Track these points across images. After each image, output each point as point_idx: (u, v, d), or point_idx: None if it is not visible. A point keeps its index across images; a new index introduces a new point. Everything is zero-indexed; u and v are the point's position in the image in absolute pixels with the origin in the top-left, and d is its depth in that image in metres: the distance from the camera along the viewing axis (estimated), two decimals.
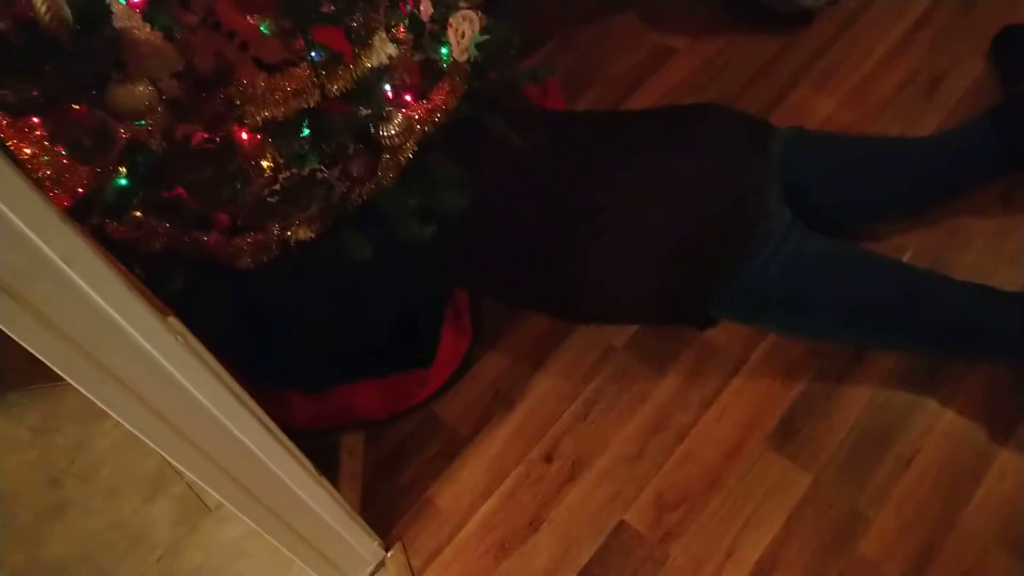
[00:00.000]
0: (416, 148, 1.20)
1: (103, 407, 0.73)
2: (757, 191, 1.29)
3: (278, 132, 1.04)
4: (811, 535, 1.20)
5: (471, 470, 1.35)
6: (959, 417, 1.26)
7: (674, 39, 1.86)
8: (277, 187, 1.07)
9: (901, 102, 1.64)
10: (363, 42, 1.04)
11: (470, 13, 1.20)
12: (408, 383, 1.39)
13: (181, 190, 1.07)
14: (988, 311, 1.22)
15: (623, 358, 1.41)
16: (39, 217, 0.59)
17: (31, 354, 0.65)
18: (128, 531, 1.33)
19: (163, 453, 0.81)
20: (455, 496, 1.32)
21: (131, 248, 1.12)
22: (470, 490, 1.33)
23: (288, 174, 1.07)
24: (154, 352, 0.72)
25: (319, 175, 1.08)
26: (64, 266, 0.62)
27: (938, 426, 1.26)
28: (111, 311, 0.67)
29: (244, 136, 1.04)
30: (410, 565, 1.27)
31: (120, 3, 0.88)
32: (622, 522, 1.25)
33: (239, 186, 1.04)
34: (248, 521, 0.96)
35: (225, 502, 0.92)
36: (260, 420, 0.88)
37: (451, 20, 1.18)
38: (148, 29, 0.89)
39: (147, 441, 0.79)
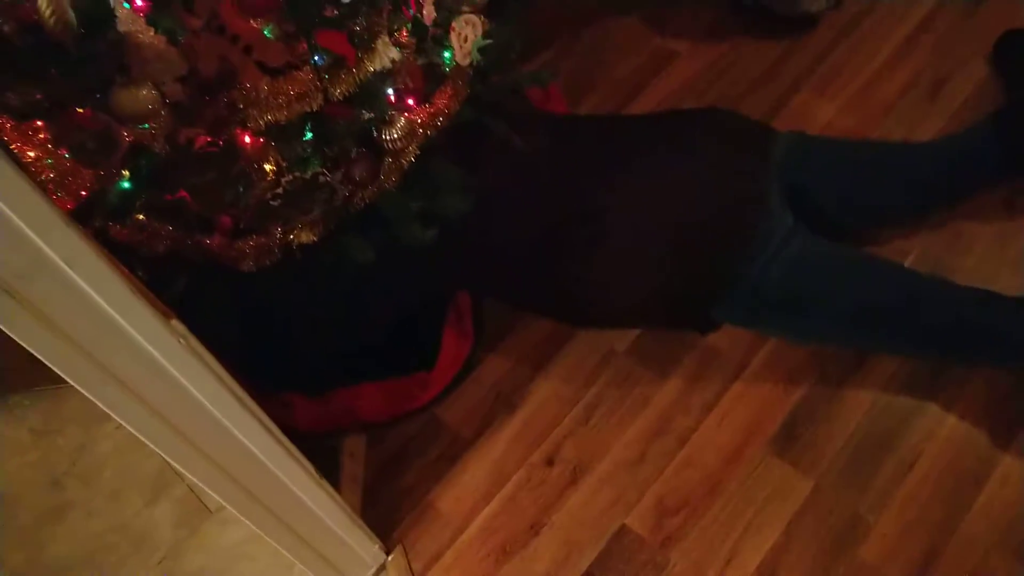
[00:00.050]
0: (418, 152, 1.20)
1: (105, 409, 0.73)
2: (758, 193, 1.29)
3: (281, 136, 1.04)
4: (812, 540, 1.19)
5: (472, 473, 1.35)
6: (961, 422, 1.26)
7: (676, 43, 1.86)
8: (280, 190, 1.07)
9: (904, 106, 1.64)
10: (366, 46, 1.04)
11: (473, 17, 1.20)
12: (410, 386, 1.39)
13: (184, 193, 1.07)
14: (991, 315, 1.22)
15: (625, 362, 1.41)
16: (42, 219, 0.59)
17: (33, 355, 0.65)
18: (129, 533, 1.33)
19: (165, 455, 0.81)
20: (456, 499, 1.32)
21: (134, 251, 1.13)
22: (471, 493, 1.33)
23: (291, 177, 1.07)
24: (156, 354, 0.72)
25: (321, 179, 1.08)
26: (67, 268, 0.62)
27: (940, 431, 1.26)
28: (113, 313, 0.67)
29: (247, 139, 1.04)
30: (411, 568, 1.27)
31: (124, 7, 0.89)
32: (623, 526, 1.25)
33: (242, 189, 1.04)
34: (249, 524, 0.96)
35: (226, 504, 0.92)
36: (262, 422, 0.88)
37: (454, 24, 1.19)
38: (152, 33, 0.89)
39: (149, 443, 0.79)
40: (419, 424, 1.41)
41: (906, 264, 1.41)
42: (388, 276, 1.27)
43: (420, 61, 1.18)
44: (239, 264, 1.16)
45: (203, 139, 1.01)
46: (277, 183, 1.07)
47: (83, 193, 1.01)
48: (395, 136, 1.13)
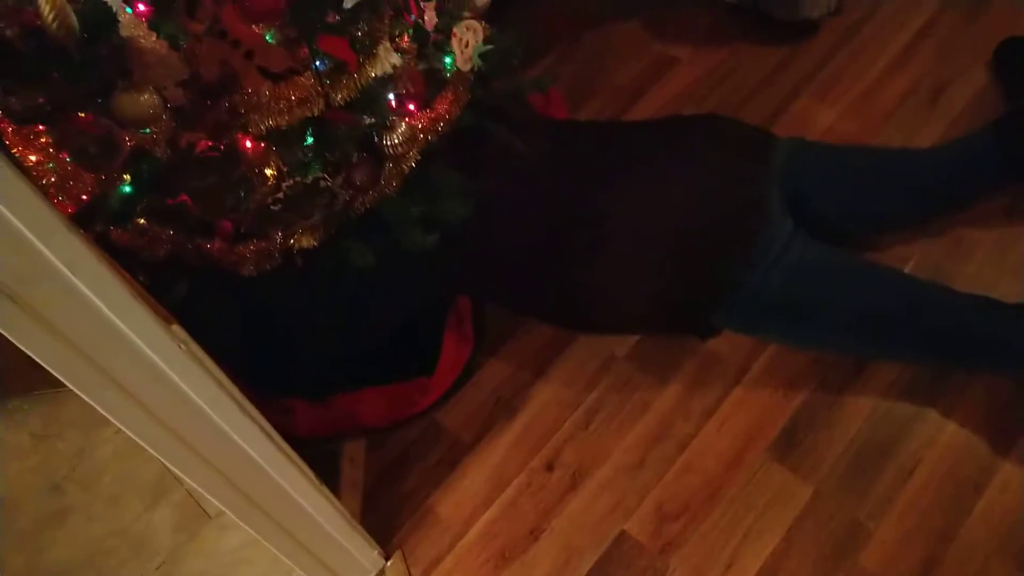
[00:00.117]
0: (419, 157, 1.20)
1: (105, 414, 0.73)
2: (758, 199, 1.30)
3: (282, 140, 1.05)
4: (812, 546, 1.19)
5: (472, 478, 1.35)
6: (961, 429, 1.25)
7: (677, 49, 1.87)
8: (280, 195, 1.07)
9: (904, 113, 1.64)
10: (367, 51, 1.04)
11: (474, 23, 1.20)
12: (410, 391, 1.39)
13: (185, 197, 1.08)
14: (991, 322, 1.22)
15: (625, 367, 1.41)
16: (43, 223, 0.59)
17: (33, 359, 0.65)
18: (129, 538, 1.33)
19: (164, 460, 0.81)
20: (456, 504, 1.32)
21: (134, 255, 1.13)
22: (471, 498, 1.32)
23: (292, 182, 1.07)
24: (157, 359, 0.73)
25: (322, 183, 1.09)
26: (68, 272, 0.62)
27: (940, 438, 1.25)
28: (114, 318, 0.67)
29: (248, 144, 1.04)
30: (410, 573, 1.27)
31: (127, 12, 0.89)
32: (623, 532, 1.25)
33: (243, 194, 1.05)
34: (248, 529, 0.96)
35: (226, 510, 0.92)
36: (261, 428, 0.88)
37: (455, 30, 1.19)
38: (154, 38, 0.90)
39: (148, 448, 0.79)
40: (419, 429, 1.41)
41: (906, 270, 1.41)
42: (389, 281, 1.27)
43: (421, 66, 1.18)
44: (240, 269, 1.16)
45: (204, 143, 1.02)
46: (278, 188, 1.07)
47: (84, 197, 1.01)
48: (396, 141, 1.13)
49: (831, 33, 1.81)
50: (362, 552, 1.19)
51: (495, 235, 1.32)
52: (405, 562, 1.28)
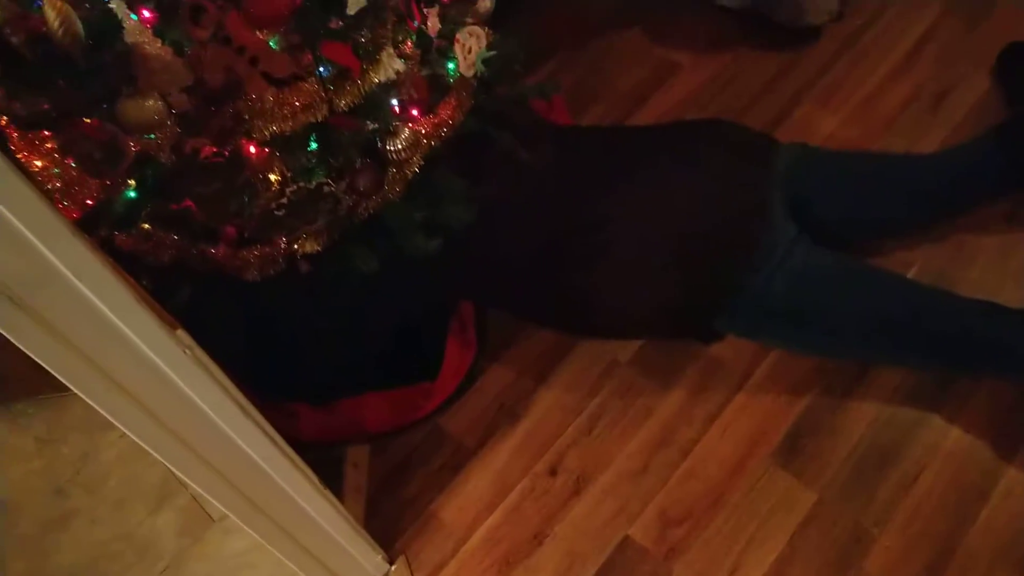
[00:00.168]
0: (422, 162, 1.21)
1: (109, 418, 0.73)
2: (760, 204, 1.30)
3: (286, 146, 1.05)
4: (815, 553, 1.19)
5: (476, 483, 1.35)
6: (965, 435, 1.25)
7: (679, 55, 1.87)
8: (284, 200, 1.08)
9: (906, 118, 1.64)
10: (371, 57, 1.05)
11: (477, 29, 1.21)
12: (414, 396, 1.39)
13: (189, 203, 1.08)
14: (994, 328, 1.22)
15: (628, 373, 1.41)
16: (48, 228, 0.59)
17: (37, 363, 0.65)
18: (133, 542, 1.33)
19: (168, 464, 0.81)
20: (459, 509, 1.32)
21: (139, 260, 1.13)
22: (474, 503, 1.32)
23: (295, 187, 1.07)
24: (161, 364, 0.73)
25: (326, 189, 1.09)
26: (72, 277, 0.62)
27: (944, 444, 1.25)
28: (119, 322, 0.67)
29: (252, 150, 1.05)
30: None
31: (132, 19, 0.90)
32: (626, 537, 1.25)
33: (247, 199, 1.05)
34: (252, 533, 0.96)
35: (230, 514, 0.92)
36: (265, 432, 0.88)
37: (458, 36, 1.19)
38: (159, 44, 0.90)
39: (152, 452, 0.79)
40: (422, 434, 1.41)
41: (909, 276, 1.41)
42: (392, 286, 1.27)
43: (424, 72, 1.19)
44: (243, 273, 1.16)
45: (209, 149, 1.02)
46: (282, 193, 1.07)
47: (89, 202, 1.02)
48: (399, 147, 1.14)
49: (833, 39, 1.81)
50: (366, 556, 1.19)
51: (498, 240, 1.32)
52: (409, 567, 1.27)
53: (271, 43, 0.98)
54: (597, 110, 1.81)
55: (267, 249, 1.15)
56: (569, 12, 2.02)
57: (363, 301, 1.30)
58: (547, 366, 1.45)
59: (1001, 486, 1.20)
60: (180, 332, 0.75)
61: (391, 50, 1.07)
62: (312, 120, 1.03)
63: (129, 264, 1.10)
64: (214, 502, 0.89)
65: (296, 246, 1.15)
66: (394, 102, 1.14)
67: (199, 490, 0.86)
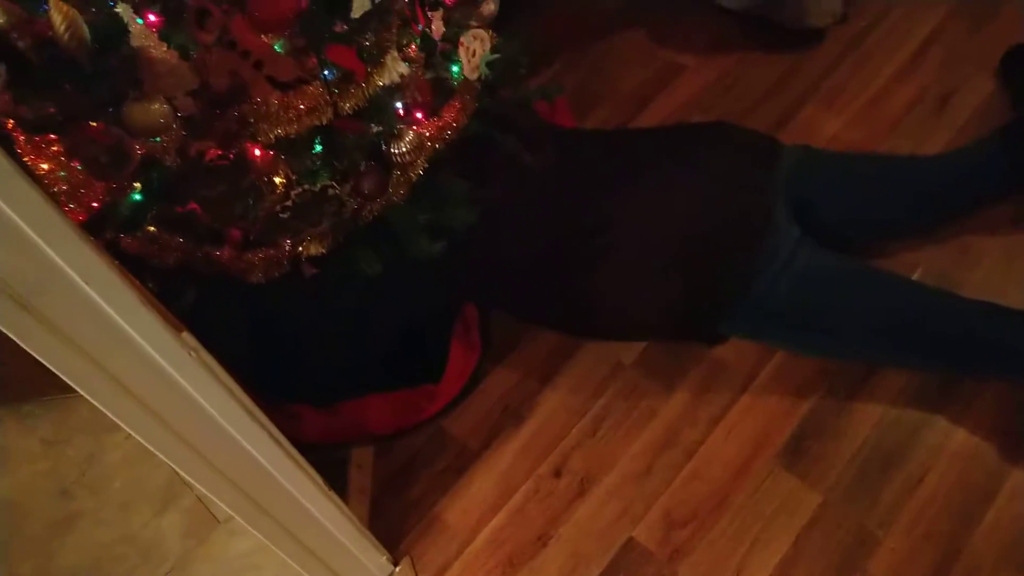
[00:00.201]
0: (426, 165, 1.21)
1: (115, 419, 0.73)
2: (764, 206, 1.30)
3: (291, 149, 1.05)
4: (820, 555, 1.19)
5: (480, 485, 1.35)
6: (970, 436, 1.25)
7: (683, 57, 1.87)
8: (289, 203, 1.08)
9: (910, 120, 1.64)
10: (375, 61, 1.05)
11: (481, 32, 1.21)
12: (417, 398, 1.39)
13: (195, 205, 1.08)
14: (999, 329, 1.21)
15: (632, 374, 1.41)
16: (55, 231, 0.60)
17: (43, 365, 0.65)
18: (138, 543, 1.34)
19: (174, 466, 0.82)
20: (464, 511, 1.33)
21: (144, 262, 1.14)
22: (479, 505, 1.33)
23: (300, 190, 1.08)
24: (167, 366, 0.73)
25: (331, 191, 1.09)
26: (78, 279, 0.62)
27: (949, 445, 1.25)
28: (125, 325, 0.68)
29: (257, 153, 1.05)
30: None
31: (137, 23, 0.90)
32: (631, 539, 1.25)
33: (251, 202, 1.05)
34: (257, 534, 0.97)
35: (235, 515, 0.92)
36: (270, 434, 0.89)
37: (462, 39, 1.20)
38: (164, 48, 0.91)
39: (158, 454, 0.79)
40: (426, 436, 1.42)
41: (913, 278, 1.40)
42: (396, 288, 1.27)
43: (429, 75, 1.19)
44: (248, 276, 1.16)
45: (214, 152, 1.02)
46: (286, 196, 1.08)
47: (95, 205, 1.02)
48: (404, 150, 1.14)
49: (837, 41, 1.81)
50: (370, 558, 1.19)
51: (501, 242, 1.32)
52: (413, 568, 1.28)
53: (276, 47, 0.98)
54: (600, 113, 1.81)
55: (272, 252, 1.15)
56: (572, 15, 2.02)
57: (367, 303, 1.31)
58: (551, 368, 1.45)
59: (1006, 488, 1.20)
60: (185, 334, 0.75)
61: (395, 53, 1.08)
62: (317, 123, 1.03)
63: (134, 266, 1.11)
64: (219, 503, 0.89)
65: (300, 248, 1.16)
66: (398, 105, 1.14)
67: (204, 492, 0.87)
